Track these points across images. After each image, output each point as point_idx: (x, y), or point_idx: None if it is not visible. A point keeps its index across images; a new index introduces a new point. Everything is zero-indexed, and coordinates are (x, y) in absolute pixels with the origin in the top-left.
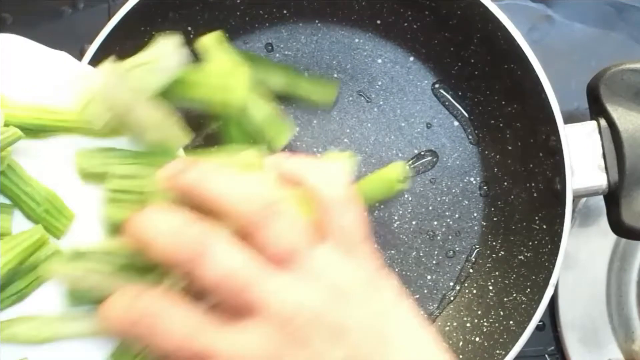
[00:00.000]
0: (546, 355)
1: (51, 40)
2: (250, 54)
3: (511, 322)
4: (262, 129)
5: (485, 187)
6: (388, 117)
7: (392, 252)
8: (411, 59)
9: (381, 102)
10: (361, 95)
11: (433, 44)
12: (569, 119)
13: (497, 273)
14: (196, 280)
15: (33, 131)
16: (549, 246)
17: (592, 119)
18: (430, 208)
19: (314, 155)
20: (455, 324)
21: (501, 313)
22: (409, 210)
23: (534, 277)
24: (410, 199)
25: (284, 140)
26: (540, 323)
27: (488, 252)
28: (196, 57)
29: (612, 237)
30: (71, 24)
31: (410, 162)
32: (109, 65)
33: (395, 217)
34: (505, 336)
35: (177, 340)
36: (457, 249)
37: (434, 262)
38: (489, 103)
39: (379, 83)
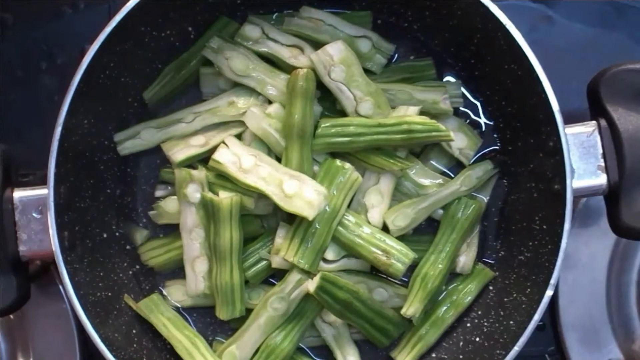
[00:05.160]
0: (546, 355)
1: (51, 40)
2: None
3: (511, 322)
4: None
5: None
6: None
7: None
8: (411, 57)
9: None
10: None
11: (433, 45)
12: (569, 119)
13: (497, 273)
14: None
15: None
16: (549, 246)
17: (592, 119)
18: None
19: None
20: (455, 324)
21: (501, 313)
22: None
23: (534, 277)
24: None
25: None
26: (540, 323)
27: (488, 252)
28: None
29: (612, 237)
30: (71, 24)
31: None
32: None
33: None
34: (505, 336)
35: None
36: None
37: None
38: (489, 103)
39: None
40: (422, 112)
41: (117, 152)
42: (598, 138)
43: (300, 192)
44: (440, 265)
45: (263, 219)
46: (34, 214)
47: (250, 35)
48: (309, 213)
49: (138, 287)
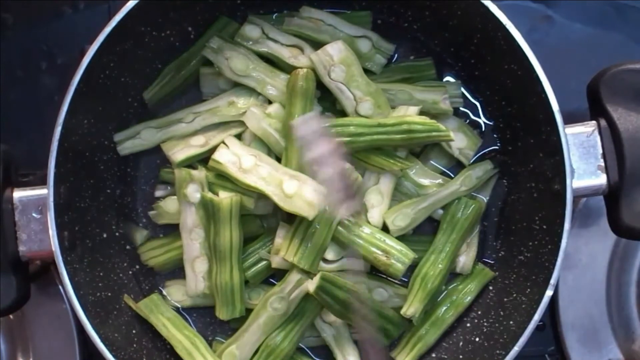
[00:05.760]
0: (546, 355)
1: (51, 40)
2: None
3: (511, 322)
4: None
5: None
6: None
7: None
8: (411, 57)
9: None
10: None
11: (433, 45)
12: (569, 119)
13: (497, 273)
14: None
15: None
16: (549, 246)
17: (592, 119)
18: None
19: None
20: (455, 324)
21: (501, 313)
22: None
23: (534, 277)
24: None
25: None
26: (540, 323)
27: (488, 252)
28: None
29: (612, 237)
30: (71, 24)
31: None
32: None
33: None
34: (505, 336)
35: None
36: None
37: None
38: (489, 103)
39: None
40: (422, 112)
41: (117, 152)
42: (598, 138)
43: (300, 192)
44: (440, 265)
45: (263, 219)
46: (34, 214)
47: (250, 35)
48: (309, 213)
49: (138, 287)
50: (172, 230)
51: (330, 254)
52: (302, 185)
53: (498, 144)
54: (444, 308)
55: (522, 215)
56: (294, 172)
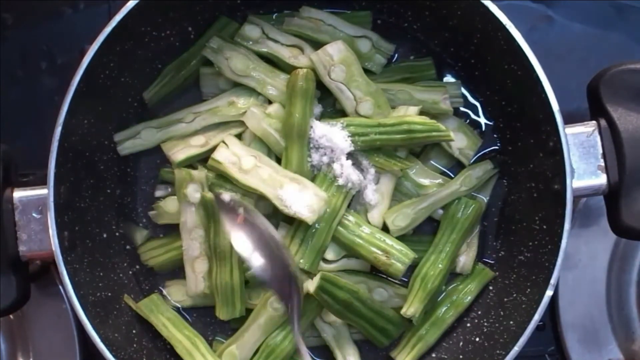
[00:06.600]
0: (546, 355)
1: (51, 40)
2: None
3: (511, 322)
4: None
5: None
6: None
7: None
8: (411, 57)
9: None
10: None
11: (433, 45)
12: (569, 119)
13: (497, 273)
14: None
15: None
16: (549, 246)
17: (592, 119)
18: None
19: None
20: (455, 324)
21: (501, 313)
22: None
23: (534, 277)
24: None
25: None
26: (540, 323)
27: (488, 252)
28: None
29: (612, 237)
30: (71, 24)
31: None
32: None
33: None
34: (505, 336)
35: None
36: None
37: None
38: (489, 103)
39: None
40: (422, 112)
41: (117, 152)
42: (598, 138)
43: (300, 196)
44: (440, 265)
45: None
46: (34, 214)
47: (250, 35)
48: (309, 217)
49: (138, 287)
50: (172, 230)
51: (330, 254)
52: (303, 189)
53: (498, 144)
54: (444, 308)
55: (522, 215)
56: (294, 175)
